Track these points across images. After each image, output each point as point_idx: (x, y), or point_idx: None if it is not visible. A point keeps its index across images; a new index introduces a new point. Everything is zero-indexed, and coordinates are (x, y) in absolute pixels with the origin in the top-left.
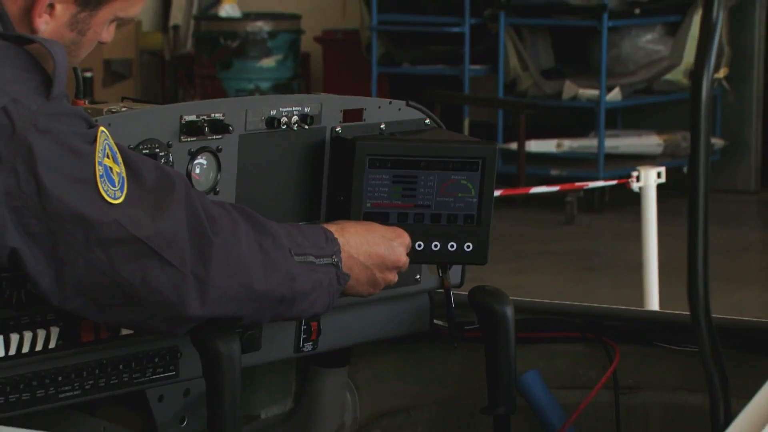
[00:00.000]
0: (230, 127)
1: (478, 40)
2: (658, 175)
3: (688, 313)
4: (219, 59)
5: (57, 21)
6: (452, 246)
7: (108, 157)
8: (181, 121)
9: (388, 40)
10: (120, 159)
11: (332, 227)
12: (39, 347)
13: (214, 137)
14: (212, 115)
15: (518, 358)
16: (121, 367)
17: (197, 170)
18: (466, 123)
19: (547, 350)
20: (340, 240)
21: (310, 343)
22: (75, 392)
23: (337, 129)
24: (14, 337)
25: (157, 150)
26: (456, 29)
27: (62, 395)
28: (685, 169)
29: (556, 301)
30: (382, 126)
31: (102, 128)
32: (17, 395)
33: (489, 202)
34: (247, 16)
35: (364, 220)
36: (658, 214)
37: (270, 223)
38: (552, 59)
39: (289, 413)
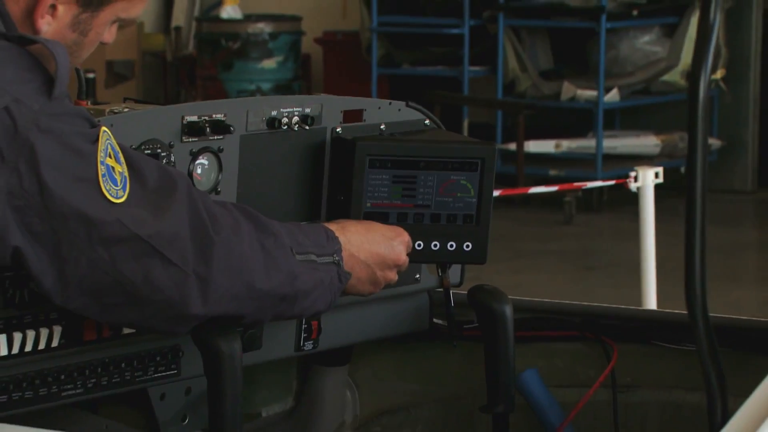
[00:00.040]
0: (231, 128)
1: (477, 42)
2: (656, 175)
3: (685, 312)
4: (220, 60)
5: (59, 22)
6: (452, 245)
7: (110, 157)
8: (182, 122)
9: (388, 41)
10: (122, 159)
11: (333, 226)
12: (42, 346)
13: (216, 138)
14: (214, 115)
15: (517, 356)
16: (123, 365)
17: (199, 170)
18: (466, 124)
19: (546, 349)
20: (341, 239)
21: (311, 341)
22: (77, 391)
23: (338, 129)
24: (17, 336)
25: (159, 150)
26: (455, 31)
27: (65, 394)
28: (682, 170)
29: (555, 301)
30: (382, 126)
31: (104, 128)
32: (20, 394)
33: (488, 202)
34: (249, 18)
35: (365, 219)
36: (656, 214)
37: (271, 222)
38: (550, 60)
39: (289, 411)
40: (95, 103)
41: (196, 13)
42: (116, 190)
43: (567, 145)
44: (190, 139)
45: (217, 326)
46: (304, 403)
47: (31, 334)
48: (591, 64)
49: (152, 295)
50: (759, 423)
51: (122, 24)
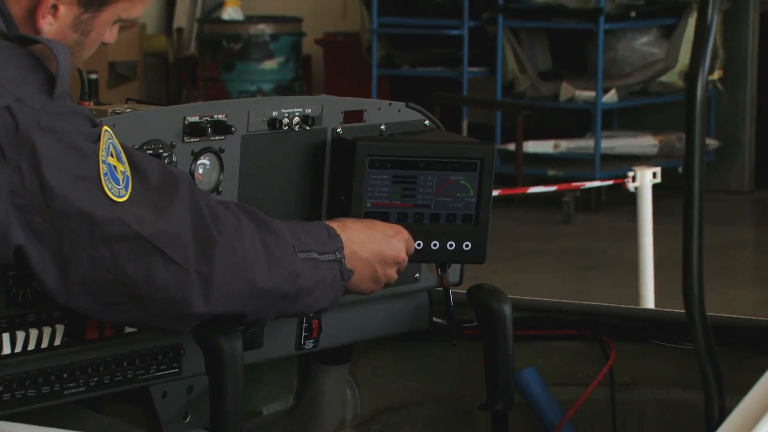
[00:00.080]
0: (233, 128)
1: (476, 43)
2: (654, 175)
3: (683, 311)
4: (222, 61)
5: (60, 22)
6: (451, 245)
7: (112, 156)
8: (184, 122)
9: (388, 42)
10: (124, 158)
11: (334, 224)
12: (44, 344)
13: (217, 138)
14: (215, 116)
15: (516, 355)
16: (125, 364)
17: (200, 170)
18: (465, 124)
19: (545, 348)
20: (343, 236)
21: (312, 340)
22: (80, 389)
23: (338, 130)
24: (20, 335)
25: (161, 150)
26: (455, 32)
27: (67, 392)
28: (680, 170)
29: (554, 300)
30: (382, 127)
31: (105, 127)
32: (23, 392)
33: (487, 202)
34: (250, 19)
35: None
36: (654, 214)
37: (273, 221)
38: (549, 61)
39: (290, 409)
40: (97, 103)
41: (198, 14)
42: (118, 189)
43: (565, 145)
44: (192, 140)
45: (219, 325)
46: (305, 401)
47: (34, 333)
48: (589, 65)
49: (154, 294)
50: (756, 421)
51: (124, 24)
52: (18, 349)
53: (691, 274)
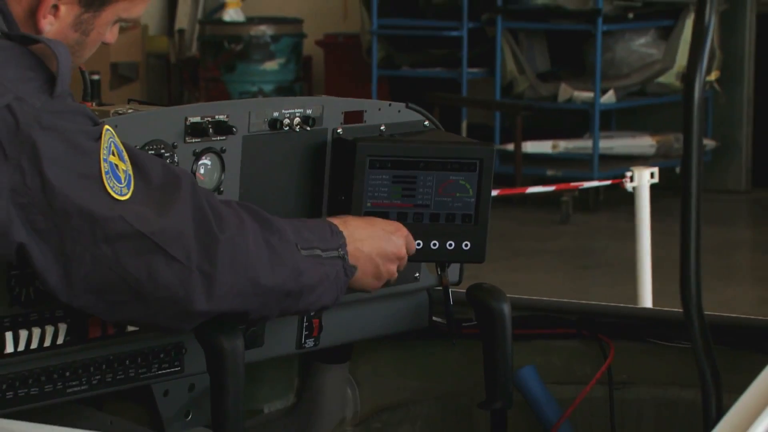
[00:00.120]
0: (234, 129)
1: (475, 44)
2: (652, 175)
3: (680, 310)
4: (223, 62)
5: (61, 22)
6: (450, 245)
7: (113, 155)
8: (185, 123)
9: (388, 43)
10: (126, 157)
11: (336, 221)
12: (47, 343)
13: (218, 138)
14: (216, 116)
15: (515, 354)
16: (127, 362)
17: (202, 170)
18: (464, 125)
19: (543, 346)
20: (345, 233)
21: (312, 339)
22: (82, 387)
23: (339, 130)
24: (23, 334)
25: (163, 151)
26: (454, 33)
27: (70, 390)
28: (677, 170)
29: (552, 299)
30: (382, 127)
31: (107, 126)
32: (26, 390)
33: (486, 202)
34: (251, 21)
35: None
36: (651, 214)
37: (276, 219)
38: (548, 62)
39: (291, 408)
40: (100, 104)
41: (200, 15)
42: (120, 188)
43: (564, 145)
44: (193, 140)
45: (220, 324)
46: (306, 399)
47: (36, 332)
48: (587, 66)
49: (157, 292)
50: (753, 419)
51: (126, 25)
52: (21, 347)
53: (689, 273)
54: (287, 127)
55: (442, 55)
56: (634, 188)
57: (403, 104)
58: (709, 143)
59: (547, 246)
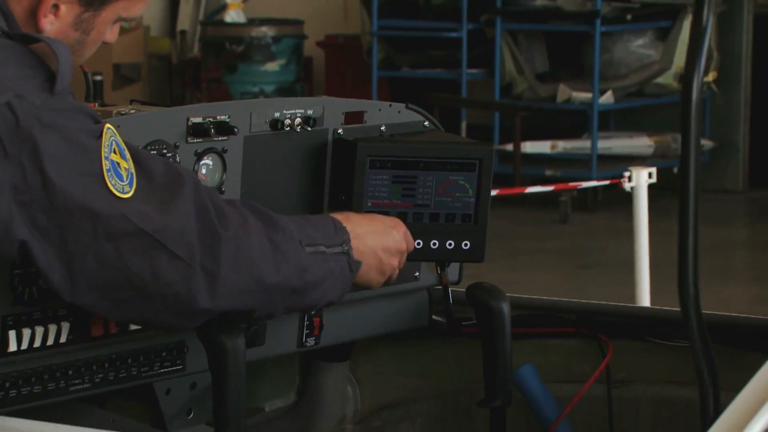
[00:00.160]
0: (235, 129)
1: (475, 45)
2: (649, 175)
3: (678, 309)
4: (224, 63)
5: (62, 21)
6: (450, 244)
7: (115, 153)
8: (187, 123)
9: (388, 44)
10: (128, 156)
11: (338, 216)
12: (50, 342)
13: (220, 138)
14: (218, 117)
15: (514, 352)
16: (129, 361)
17: (203, 170)
18: (464, 125)
19: (542, 345)
20: (348, 228)
21: (313, 338)
22: (85, 385)
23: (339, 131)
24: (26, 332)
25: (165, 151)
26: (454, 34)
27: (73, 388)
28: (675, 170)
29: (551, 298)
30: (382, 128)
31: (108, 125)
32: (29, 388)
33: (486, 202)
34: (252, 22)
35: None
36: (649, 213)
37: (280, 217)
38: (546, 63)
39: (292, 406)
40: (102, 104)
41: (201, 17)
42: (122, 186)
43: (562, 145)
44: (195, 140)
45: (222, 322)
46: (306, 397)
47: (39, 330)
48: (586, 67)
49: (160, 289)
50: (750, 417)
51: (126, 26)
52: (24, 346)
53: (687, 272)
54: (288, 128)
55: (442, 56)
56: (632, 188)
57: (403, 105)
58: (706, 143)
59: (545, 245)
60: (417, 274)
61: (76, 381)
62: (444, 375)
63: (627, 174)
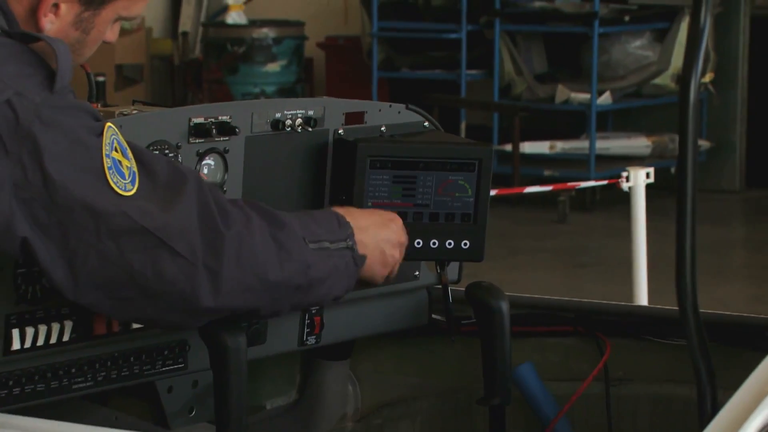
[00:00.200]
0: (237, 129)
1: (474, 46)
2: (647, 175)
3: (676, 307)
4: (226, 64)
5: (62, 20)
6: (450, 243)
7: (116, 151)
8: (189, 124)
9: (388, 46)
10: (131, 155)
11: (340, 211)
12: (53, 340)
13: (222, 139)
14: (219, 117)
15: (513, 351)
16: (132, 359)
17: (205, 170)
18: (463, 125)
19: (541, 344)
20: (352, 222)
21: (314, 336)
22: (88, 383)
23: (340, 131)
24: (29, 331)
25: (167, 151)
26: (453, 36)
27: (75, 386)
28: (672, 170)
29: (550, 297)
30: (382, 128)
31: (109, 124)
32: (32, 386)
33: (485, 202)
34: (253, 23)
35: None
36: (647, 213)
37: (283, 215)
38: (545, 64)
39: (293, 404)
40: (105, 105)
41: (203, 18)
42: (124, 183)
43: (561, 146)
44: (197, 140)
45: (223, 321)
46: (307, 396)
47: (43, 329)
48: (584, 68)
49: (163, 287)
50: (747, 415)
51: (128, 27)
52: (27, 344)
53: (684, 271)
54: (289, 128)
55: (441, 57)
56: (629, 188)
57: (403, 105)
58: (703, 144)
59: (544, 245)
60: (417, 273)
61: (79, 379)
62: (443, 373)
63: (625, 174)
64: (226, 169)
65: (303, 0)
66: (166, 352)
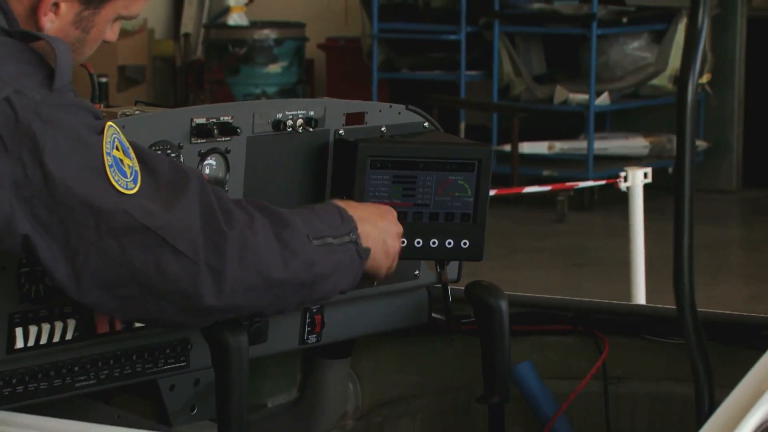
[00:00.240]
0: (238, 130)
1: (473, 48)
2: (645, 175)
3: (673, 307)
4: (227, 65)
5: (62, 19)
6: (449, 243)
7: (118, 150)
8: (191, 124)
9: (388, 47)
10: (132, 154)
11: (341, 204)
12: (56, 339)
13: (223, 139)
14: (221, 118)
15: (512, 349)
16: (134, 357)
17: (207, 171)
18: (463, 126)
19: (540, 342)
20: (354, 216)
21: (314, 335)
22: (90, 382)
23: (340, 131)
24: (33, 329)
25: (169, 151)
26: (453, 37)
27: (78, 384)
28: (670, 170)
29: (549, 296)
30: (382, 129)
31: (110, 123)
32: (35, 384)
33: (484, 201)
34: (255, 25)
35: None
36: (645, 213)
37: (286, 213)
38: (544, 65)
39: (294, 402)
40: (107, 106)
41: (204, 20)
42: (126, 182)
43: (560, 146)
44: (199, 141)
45: (226, 320)
46: (308, 394)
47: (46, 328)
48: (582, 69)
49: (165, 286)
50: (744, 413)
51: (130, 28)
52: (31, 343)
53: (682, 270)
54: (290, 129)
55: (441, 58)
56: (627, 188)
57: (403, 106)
58: (701, 144)
59: (543, 244)
60: (417, 272)
61: (82, 377)
62: (443, 372)
63: (623, 174)
64: (227, 169)
65: (304, 1)
66: (168, 351)
